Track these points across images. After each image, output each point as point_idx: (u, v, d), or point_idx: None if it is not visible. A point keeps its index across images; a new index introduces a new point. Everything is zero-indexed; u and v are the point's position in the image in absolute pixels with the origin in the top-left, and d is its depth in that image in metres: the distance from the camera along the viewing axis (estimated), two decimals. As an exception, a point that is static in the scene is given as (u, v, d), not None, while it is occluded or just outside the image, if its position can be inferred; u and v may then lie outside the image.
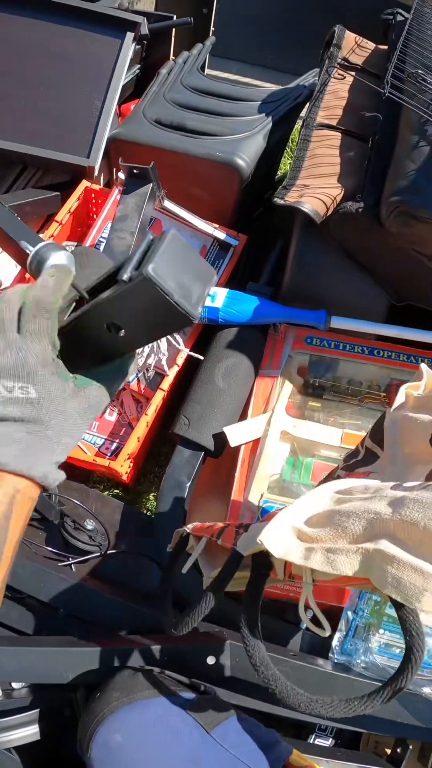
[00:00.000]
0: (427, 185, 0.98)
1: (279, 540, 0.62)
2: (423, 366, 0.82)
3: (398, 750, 1.06)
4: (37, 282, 0.60)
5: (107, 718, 0.81)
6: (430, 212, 0.98)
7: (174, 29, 1.44)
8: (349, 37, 1.32)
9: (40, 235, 0.84)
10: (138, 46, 1.34)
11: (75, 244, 1.34)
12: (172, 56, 1.40)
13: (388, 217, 1.02)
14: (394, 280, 1.15)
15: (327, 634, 0.60)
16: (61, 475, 0.63)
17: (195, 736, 0.80)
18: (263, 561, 0.67)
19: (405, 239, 1.06)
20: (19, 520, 0.61)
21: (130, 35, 1.28)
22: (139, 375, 1.21)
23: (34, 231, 0.65)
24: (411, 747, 1.05)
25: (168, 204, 1.22)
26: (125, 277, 0.55)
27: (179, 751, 0.78)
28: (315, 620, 0.62)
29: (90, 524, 1.12)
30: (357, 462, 0.84)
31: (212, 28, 1.56)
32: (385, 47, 1.31)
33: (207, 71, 1.41)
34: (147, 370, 1.19)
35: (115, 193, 1.25)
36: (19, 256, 0.73)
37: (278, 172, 1.60)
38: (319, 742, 1.08)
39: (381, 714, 0.94)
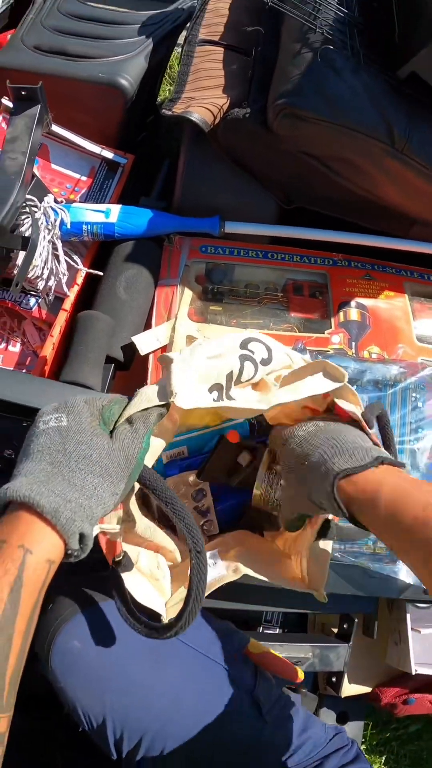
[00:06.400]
0: (310, 88, 1.08)
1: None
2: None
3: (344, 626, 1.17)
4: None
5: (62, 627, 0.85)
6: (315, 112, 1.08)
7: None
8: (228, -43, 1.42)
9: None
10: (11, -26, 1.40)
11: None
12: (47, -16, 1.47)
13: (275, 120, 1.11)
14: (282, 184, 1.26)
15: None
16: (85, 527, 0.62)
17: None
18: None
19: (292, 142, 1.16)
20: (33, 589, 0.60)
21: (3, -39, 1.34)
22: (40, 301, 1.27)
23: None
24: (357, 620, 1.15)
25: (54, 128, 1.29)
26: None
27: (137, 649, 0.82)
28: None
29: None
30: None
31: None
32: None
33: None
34: (47, 295, 1.25)
35: (0, 121, 1.31)
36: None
37: (158, 98, 1.69)
38: (268, 633, 1.18)
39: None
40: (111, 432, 0.69)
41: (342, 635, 1.17)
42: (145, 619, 0.78)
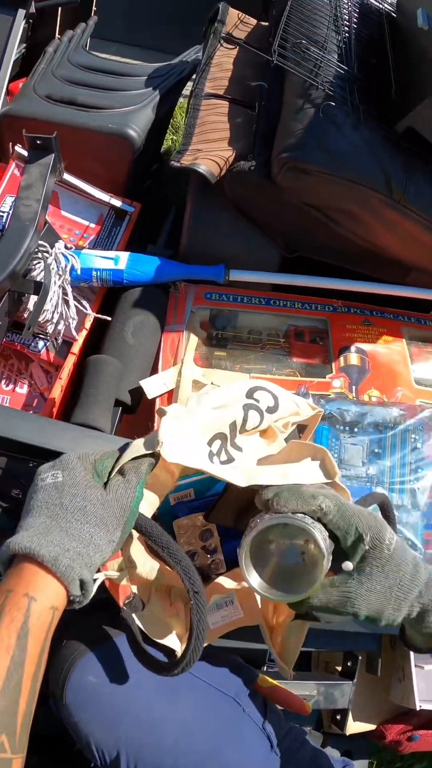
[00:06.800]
0: (312, 143, 1.14)
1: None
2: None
3: (348, 664, 1.19)
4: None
5: (77, 662, 0.87)
6: (317, 166, 1.13)
7: (60, 8, 1.56)
8: (233, 14, 1.50)
9: None
10: (25, 25, 1.45)
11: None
12: (57, 35, 1.53)
13: (279, 172, 1.17)
14: (285, 233, 1.31)
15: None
16: (85, 573, 0.66)
17: None
18: None
19: (295, 193, 1.22)
20: (39, 635, 0.63)
21: (21, 12, 1.40)
22: (48, 344, 1.31)
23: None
24: (360, 658, 1.17)
25: (65, 176, 1.33)
26: None
27: (151, 683, 0.84)
28: None
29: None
30: None
31: (94, 8, 1.71)
32: (266, 23, 1.49)
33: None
34: (56, 339, 1.29)
35: (12, 168, 1.35)
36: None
37: (162, 147, 1.75)
38: (272, 671, 1.17)
39: (327, 627, 1.06)
40: (105, 484, 0.74)
41: (346, 673, 1.19)
42: (154, 657, 0.81)
